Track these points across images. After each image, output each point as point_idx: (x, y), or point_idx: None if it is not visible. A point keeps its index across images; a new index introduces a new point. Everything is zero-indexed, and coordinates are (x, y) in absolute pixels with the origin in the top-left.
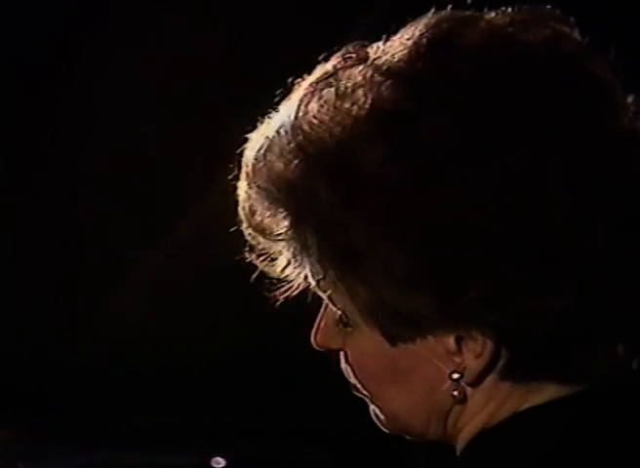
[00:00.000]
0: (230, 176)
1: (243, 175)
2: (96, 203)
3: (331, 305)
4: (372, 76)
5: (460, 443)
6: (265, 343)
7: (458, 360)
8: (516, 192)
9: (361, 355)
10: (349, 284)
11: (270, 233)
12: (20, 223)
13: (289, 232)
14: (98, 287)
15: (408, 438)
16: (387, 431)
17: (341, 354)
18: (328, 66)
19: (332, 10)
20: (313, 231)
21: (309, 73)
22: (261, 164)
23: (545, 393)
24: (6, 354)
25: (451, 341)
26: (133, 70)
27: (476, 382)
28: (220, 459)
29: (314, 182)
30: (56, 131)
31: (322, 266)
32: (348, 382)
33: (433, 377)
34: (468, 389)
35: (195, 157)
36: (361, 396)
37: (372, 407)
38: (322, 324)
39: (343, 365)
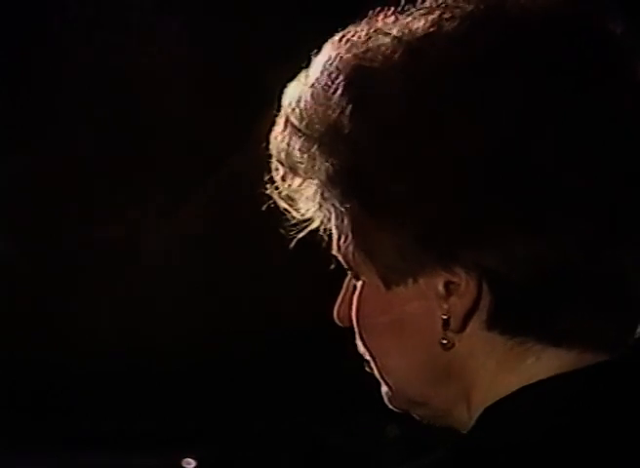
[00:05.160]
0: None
1: (281, 118)
2: (93, 202)
3: (339, 256)
4: (400, 21)
5: (474, 417)
6: (238, 347)
7: (445, 305)
8: (505, 122)
9: (362, 305)
10: (353, 216)
11: (300, 170)
12: (20, 223)
13: (314, 167)
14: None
15: (417, 417)
16: (397, 409)
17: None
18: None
19: None
20: (325, 153)
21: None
22: (296, 104)
23: (545, 360)
24: None
25: (440, 286)
26: None
27: (461, 327)
28: (190, 460)
29: (332, 107)
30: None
31: (332, 196)
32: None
33: (424, 325)
34: (457, 337)
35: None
36: (369, 370)
37: (382, 388)
38: (343, 298)
39: (357, 340)
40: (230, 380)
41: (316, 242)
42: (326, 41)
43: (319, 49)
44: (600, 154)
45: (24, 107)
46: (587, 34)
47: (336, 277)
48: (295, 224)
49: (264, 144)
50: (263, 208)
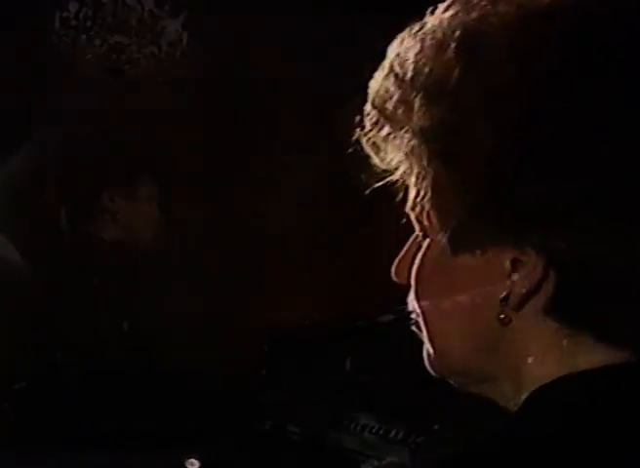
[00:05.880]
0: None
1: (385, 66)
2: (93, 202)
3: (412, 213)
4: None
5: (522, 395)
6: (238, 347)
7: (508, 282)
8: (595, 102)
9: (425, 264)
10: (436, 174)
11: (394, 119)
12: (20, 223)
13: (409, 117)
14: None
15: (454, 384)
16: (435, 374)
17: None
18: None
19: None
20: (425, 105)
21: None
22: (403, 55)
23: (599, 355)
24: None
25: (507, 262)
26: None
27: (519, 306)
28: (194, 461)
29: (442, 62)
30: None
31: (420, 151)
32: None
33: (483, 296)
34: (514, 316)
35: None
36: (416, 329)
37: (425, 349)
38: (406, 254)
39: (410, 297)
40: (230, 380)
41: (316, 242)
42: (326, 41)
43: (320, 49)
44: None
45: (24, 107)
46: None
47: (336, 278)
48: (375, 174)
49: (272, 140)
50: (263, 207)
